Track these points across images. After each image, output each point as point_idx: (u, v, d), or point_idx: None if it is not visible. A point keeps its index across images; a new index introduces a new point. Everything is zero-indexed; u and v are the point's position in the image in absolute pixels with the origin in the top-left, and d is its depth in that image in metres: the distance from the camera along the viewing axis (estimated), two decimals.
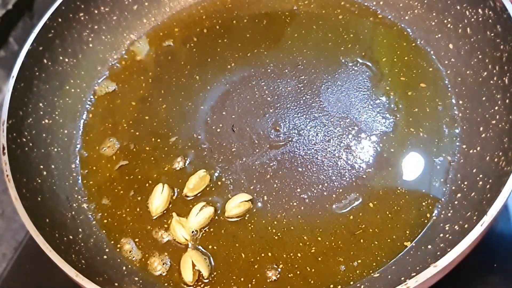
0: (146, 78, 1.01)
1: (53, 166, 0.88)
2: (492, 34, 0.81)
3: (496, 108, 0.79)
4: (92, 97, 0.99)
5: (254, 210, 0.82)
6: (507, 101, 0.78)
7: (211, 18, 1.08)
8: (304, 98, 0.93)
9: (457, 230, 0.71)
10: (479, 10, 0.84)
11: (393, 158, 0.84)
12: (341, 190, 0.82)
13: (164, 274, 0.78)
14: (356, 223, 0.79)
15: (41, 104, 0.90)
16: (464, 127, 0.84)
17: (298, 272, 0.76)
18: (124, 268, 0.80)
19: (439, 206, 0.78)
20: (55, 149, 0.91)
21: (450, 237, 0.72)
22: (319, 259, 0.76)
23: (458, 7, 0.89)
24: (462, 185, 0.79)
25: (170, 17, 1.10)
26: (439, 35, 0.94)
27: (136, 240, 0.82)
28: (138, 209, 0.85)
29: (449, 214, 0.76)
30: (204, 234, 0.80)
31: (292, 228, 0.80)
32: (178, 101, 0.97)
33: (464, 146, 0.83)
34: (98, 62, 1.02)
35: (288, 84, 0.95)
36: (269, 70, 0.97)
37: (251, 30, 1.05)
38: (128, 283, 0.77)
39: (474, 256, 0.68)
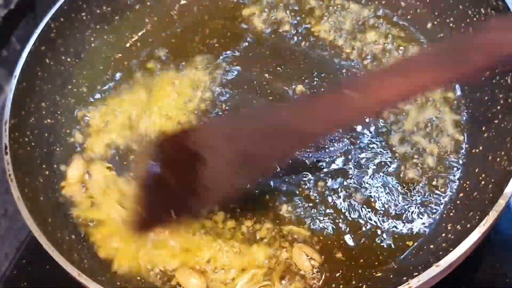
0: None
1: (55, 166, 0.88)
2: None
3: (499, 107, 0.79)
4: (94, 96, 0.99)
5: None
6: (510, 100, 0.77)
7: (212, 17, 1.08)
8: None
9: (459, 230, 0.71)
10: (482, 10, 0.84)
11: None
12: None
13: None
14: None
15: (43, 104, 0.90)
16: (467, 127, 0.84)
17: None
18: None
19: (442, 205, 0.78)
20: (58, 149, 0.91)
21: (452, 236, 0.72)
22: (322, 257, 0.77)
23: (461, 7, 0.89)
24: (465, 184, 0.79)
25: (172, 16, 1.10)
26: (441, 35, 0.93)
27: None
28: None
29: (452, 214, 0.76)
30: None
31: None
32: None
33: (466, 146, 0.83)
34: (101, 61, 1.02)
35: None
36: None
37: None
38: (130, 282, 0.78)
39: (476, 256, 0.68)
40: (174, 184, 0.71)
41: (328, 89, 0.86)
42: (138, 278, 0.78)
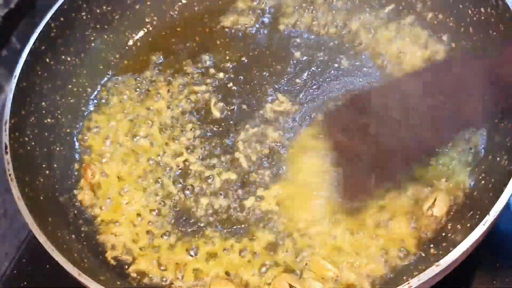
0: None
1: (55, 165, 0.88)
2: (495, 33, 0.81)
3: (499, 106, 0.79)
4: (94, 96, 0.99)
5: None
6: (510, 100, 0.77)
7: (212, 17, 1.08)
8: None
9: (459, 229, 0.71)
10: (482, 9, 0.84)
11: None
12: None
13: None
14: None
15: (43, 103, 0.90)
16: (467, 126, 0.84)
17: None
18: (126, 267, 0.80)
19: None
20: (58, 148, 0.91)
21: (452, 236, 0.72)
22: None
23: (461, 6, 0.88)
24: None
25: (172, 16, 1.10)
26: (441, 34, 0.93)
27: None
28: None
29: (452, 213, 0.76)
30: None
31: None
32: None
33: (466, 145, 0.83)
34: (101, 61, 1.02)
35: None
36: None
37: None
38: (130, 282, 0.78)
39: (476, 255, 0.68)
40: (363, 153, 0.71)
41: None
42: (139, 277, 0.79)
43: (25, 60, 0.87)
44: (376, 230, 0.76)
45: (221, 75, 0.98)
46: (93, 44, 1.01)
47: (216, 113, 0.93)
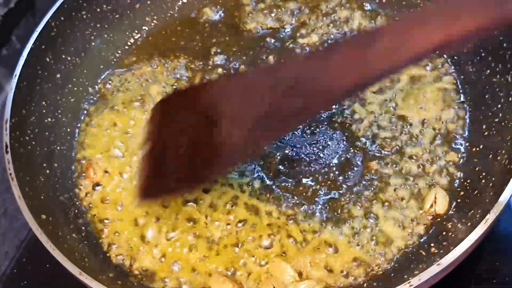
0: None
1: (56, 165, 0.88)
2: (495, 32, 0.81)
3: (499, 106, 0.79)
4: (95, 95, 0.99)
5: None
6: (510, 99, 0.78)
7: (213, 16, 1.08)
8: None
9: (460, 229, 0.72)
10: None
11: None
12: (346, 188, 0.82)
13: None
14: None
15: (44, 103, 0.90)
16: (467, 125, 0.84)
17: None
18: (128, 265, 0.80)
19: None
20: (58, 148, 0.91)
21: (453, 235, 0.72)
22: (323, 255, 0.76)
23: None
24: (465, 183, 0.79)
25: (172, 15, 1.10)
26: None
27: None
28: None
29: (452, 212, 0.76)
30: None
31: None
32: None
33: (467, 144, 0.83)
34: (101, 60, 1.02)
35: None
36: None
37: None
38: (132, 281, 0.78)
39: (477, 254, 0.68)
40: (183, 147, 0.68)
41: (358, 35, 0.76)
42: (140, 276, 0.79)
43: (26, 60, 0.87)
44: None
45: (220, 73, 0.98)
46: (93, 44, 1.01)
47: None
